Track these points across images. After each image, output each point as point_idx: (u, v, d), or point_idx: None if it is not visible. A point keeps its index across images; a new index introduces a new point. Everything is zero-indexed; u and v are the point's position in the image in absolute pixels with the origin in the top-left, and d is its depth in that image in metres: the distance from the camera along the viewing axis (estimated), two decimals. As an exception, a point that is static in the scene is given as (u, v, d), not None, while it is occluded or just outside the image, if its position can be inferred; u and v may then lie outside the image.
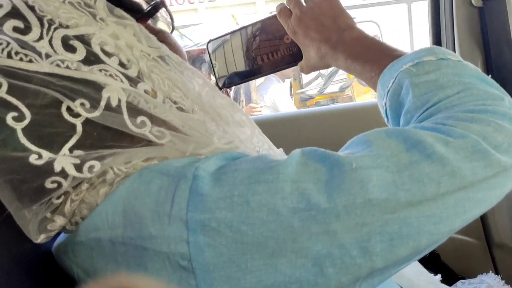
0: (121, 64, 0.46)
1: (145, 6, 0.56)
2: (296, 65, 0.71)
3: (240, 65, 0.72)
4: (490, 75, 0.50)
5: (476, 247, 1.31)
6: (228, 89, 0.78)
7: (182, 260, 0.40)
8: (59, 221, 0.46)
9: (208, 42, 0.72)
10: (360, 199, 0.39)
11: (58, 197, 0.45)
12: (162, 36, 0.55)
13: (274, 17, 0.69)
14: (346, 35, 0.61)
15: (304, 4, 0.67)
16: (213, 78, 0.75)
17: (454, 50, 1.34)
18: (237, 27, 0.72)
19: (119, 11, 0.48)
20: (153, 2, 0.56)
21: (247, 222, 0.39)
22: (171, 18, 0.58)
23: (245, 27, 0.71)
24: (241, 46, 0.71)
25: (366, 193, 0.39)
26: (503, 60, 1.27)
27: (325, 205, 0.39)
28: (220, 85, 0.74)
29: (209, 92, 0.53)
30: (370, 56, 0.57)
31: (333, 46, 0.61)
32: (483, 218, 1.36)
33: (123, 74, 0.46)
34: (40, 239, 0.47)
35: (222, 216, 0.40)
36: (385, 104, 0.54)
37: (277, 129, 1.31)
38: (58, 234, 0.57)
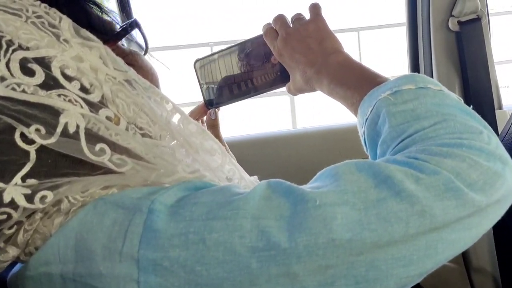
0: (83, 88, 0.43)
1: (118, 27, 0.53)
2: (283, 86, 0.70)
3: (228, 86, 0.71)
4: (470, 106, 0.49)
5: (455, 271, 1.31)
6: (216, 109, 0.78)
7: None
8: (12, 251, 0.44)
9: (196, 62, 0.71)
10: (323, 239, 0.36)
11: (10, 228, 0.42)
12: (132, 59, 0.53)
13: (260, 37, 0.68)
14: (331, 59, 0.59)
15: (290, 25, 0.65)
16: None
17: (432, 74, 1.36)
18: (224, 47, 0.70)
19: (85, 32, 0.46)
20: (125, 22, 0.53)
21: (202, 262, 0.37)
22: (145, 39, 0.55)
23: (233, 47, 0.70)
24: (229, 66, 0.70)
25: (329, 232, 0.36)
26: (480, 83, 1.28)
27: (285, 245, 0.36)
28: (208, 105, 0.73)
29: (178, 118, 0.51)
30: (353, 82, 0.56)
31: (318, 70, 0.60)
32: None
33: (84, 99, 0.43)
34: None
35: (176, 255, 0.37)
36: (364, 133, 0.52)
37: (257, 149, 1.29)
38: (13, 264, 0.54)
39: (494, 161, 0.41)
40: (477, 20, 1.28)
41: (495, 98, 1.31)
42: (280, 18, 0.66)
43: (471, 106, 1.30)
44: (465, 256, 1.32)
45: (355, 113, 0.55)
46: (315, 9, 0.65)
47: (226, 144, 0.74)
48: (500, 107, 1.36)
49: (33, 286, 0.44)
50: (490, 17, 1.32)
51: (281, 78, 0.69)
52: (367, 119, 0.51)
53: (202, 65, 0.71)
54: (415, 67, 1.43)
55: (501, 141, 1.04)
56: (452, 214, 0.38)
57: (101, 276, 0.39)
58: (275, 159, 1.29)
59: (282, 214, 0.38)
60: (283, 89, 0.71)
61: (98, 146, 0.43)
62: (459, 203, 0.38)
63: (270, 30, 0.66)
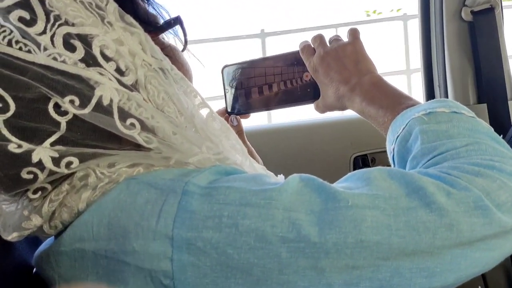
0: (118, 70, 0.45)
1: (161, 21, 0.56)
2: (312, 103, 0.71)
3: (255, 96, 0.72)
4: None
5: None
6: (238, 117, 0.78)
7: (165, 278, 0.39)
8: (35, 220, 0.45)
9: (224, 67, 0.72)
10: (352, 239, 0.37)
11: (35, 192, 0.44)
12: (169, 52, 0.55)
13: (296, 52, 0.70)
14: (365, 80, 0.62)
15: (328, 44, 0.68)
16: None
17: (444, 64, 1.35)
18: (256, 57, 0.72)
19: (128, 17, 0.48)
20: (169, 18, 0.56)
21: (234, 245, 0.38)
22: (185, 36, 0.57)
23: (264, 59, 0.71)
24: (258, 77, 0.71)
25: (359, 233, 0.38)
26: (493, 73, 1.27)
27: (315, 239, 0.38)
28: (229, 111, 0.73)
29: (205, 114, 0.52)
30: (385, 102, 0.58)
31: (351, 88, 0.62)
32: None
33: (118, 80, 0.45)
34: (12, 236, 0.46)
35: (209, 236, 0.38)
36: (393, 149, 0.53)
37: (267, 140, 1.30)
38: (37, 243, 0.55)
39: None
40: (491, 9, 1.27)
41: (508, 89, 1.29)
42: (320, 37, 0.69)
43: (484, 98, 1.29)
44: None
45: (385, 132, 0.57)
46: (354, 32, 0.68)
47: (253, 149, 0.75)
48: (513, 98, 1.35)
49: (67, 261, 0.45)
50: (504, 10, 1.31)
51: (311, 94, 0.71)
52: (398, 136, 0.52)
53: (230, 72, 0.72)
54: (427, 58, 1.41)
55: (513, 132, 1.03)
56: (478, 232, 0.39)
57: (134, 253, 0.40)
58: (286, 149, 1.29)
59: (313, 209, 0.39)
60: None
61: (129, 121, 0.45)
62: (486, 222, 0.39)
63: (308, 46, 0.69)
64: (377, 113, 0.58)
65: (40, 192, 0.45)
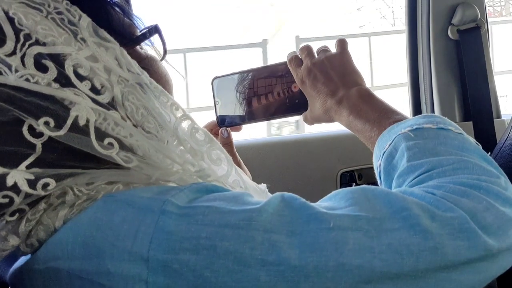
0: (93, 89, 0.44)
1: (138, 31, 0.55)
2: (300, 114, 0.71)
3: (244, 107, 0.71)
4: (475, 141, 0.49)
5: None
6: (228, 128, 0.78)
7: None
8: (12, 240, 0.44)
9: (214, 79, 0.72)
10: (333, 262, 0.36)
11: (12, 214, 0.43)
12: (147, 63, 0.54)
13: (284, 63, 0.70)
14: (352, 92, 0.61)
15: (316, 56, 0.67)
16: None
17: (431, 81, 1.36)
18: (245, 69, 0.71)
19: (103, 32, 0.46)
20: (145, 27, 0.54)
21: (211, 268, 0.37)
22: (164, 46, 0.56)
23: (254, 70, 0.71)
24: (247, 88, 0.71)
25: (340, 256, 0.36)
26: (479, 92, 1.29)
27: (295, 262, 0.36)
28: (220, 123, 0.73)
29: (187, 125, 0.51)
30: (372, 116, 0.57)
31: (338, 101, 0.62)
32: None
33: (93, 99, 0.44)
34: None
35: (186, 259, 0.37)
36: (380, 165, 0.52)
37: (255, 154, 1.29)
38: (15, 258, 0.54)
39: (510, 208, 0.41)
40: (477, 28, 1.29)
41: (493, 107, 1.31)
42: (307, 48, 0.68)
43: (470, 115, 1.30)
44: None
45: (372, 147, 0.56)
46: (342, 43, 0.68)
47: (241, 161, 0.74)
48: (499, 116, 1.36)
49: (41, 281, 0.44)
50: (493, 26, 1.33)
51: (298, 106, 0.70)
52: (384, 152, 0.51)
53: (220, 83, 0.72)
54: (414, 76, 1.43)
55: (499, 150, 1.04)
56: (463, 255, 0.38)
57: (109, 274, 0.39)
58: (273, 164, 1.29)
59: (293, 231, 0.38)
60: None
61: (107, 141, 0.43)
62: (471, 245, 0.38)
63: (295, 58, 0.68)
64: (364, 127, 0.58)
65: (17, 214, 0.43)
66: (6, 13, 0.42)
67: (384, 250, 0.37)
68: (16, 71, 0.40)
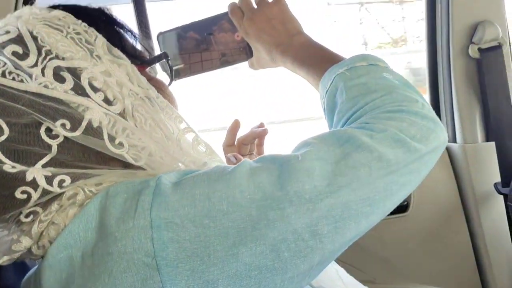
0: (106, 100, 0.49)
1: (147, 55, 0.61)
2: (246, 61, 0.75)
3: (192, 60, 0.73)
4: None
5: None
6: (237, 154, 0.78)
7: (147, 258, 0.41)
8: (25, 242, 0.46)
9: (159, 34, 0.73)
10: (308, 185, 0.44)
11: (27, 216, 0.46)
12: (155, 83, 0.58)
13: (225, 14, 0.73)
14: (295, 40, 0.68)
15: (255, 6, 0.72)
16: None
17: (452, 101, 1.33)
18: (188, 22, 0.74)
19: (116, 51, 0.52)
20: (156, 55, 0.61)
21: (209, 215, 0.42)
22: (171, 72, 0.63)
23: (197, 22, 0.73)
24: (193, 41, 0.73)
25: (312, 180, 0.44)
26: (500, 111, 1.25)
27: (278, 193, 0.44)
28: (174, 76, 0.73)
29: (191, 137, 0.56)
30: (314, 61, 0.65)
31: (283, 51, 0.68)
32: (481, 274, 1.32)
33: (106, 109, 0.48)
34: (2, 260, 0.47)
35: (185, 212, 0.42)
36: (324, 103, 0.61)
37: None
38: (24, 270, 0.56)
39: (427, 121, 0.52)
40: (498, 47, 1.26)
41: (517, 127, 1.27)
42: (246, 0, 0.73)
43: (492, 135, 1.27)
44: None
45: (317, 87, 0.64)
46: None
47: None
48: (523, 137, 1.33)
49: (52, 276, 0.46)
50: (513, 45, 1.30)
51: (244, 54, 0.74)
52: (327, 91, 0.59)
53: (165, 38, 0.73)
54: (434, 94, 1.41)
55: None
56: (402, 159, 0.48)
57: (116, 241, 0.42)
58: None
59: (272, 173, 0.45)
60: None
61: (117, 141, 0.48)
62: (406, 150, 0.49)
63: (236, 9, 0.73)
64: (308, 70, 0.64)
65: (31, 216, 0.46)
66: (31, 32, 0.48)
67: (343, 170, 0.46)
68: (36, 79, 0.46)
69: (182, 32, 0.73)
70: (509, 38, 1.32)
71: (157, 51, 0.68)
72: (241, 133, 0.87)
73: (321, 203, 0.44)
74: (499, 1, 1.29)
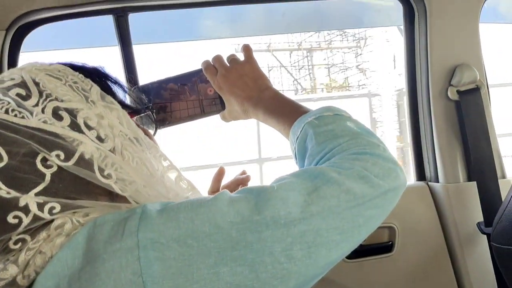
0: (99, 137, 0.54)
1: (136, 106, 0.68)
2: (217, 113, 0.81)
3: (166, 112, 0.78)
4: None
5: None
6: None
7: (133, 276, 0.44)
8: (11, 269, 0.48)
9: (134, 88, 0.76)
10: (283, 212, 0.48)
11: (16, 243, 0.48)
12: (141, 129, 0.63)
13: (199, 71, 0.79)
14: (265, 94, 0.75)
15: (227, 64, 0.78)
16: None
17: (433, 141, 1.36)
18: (163, 77, 0.79)
19: (109, 98, 0.58)
20: (143, 106, 0.68)
21: (192, 236, 0.45)
22: (156, 124, 0.71)
23: (174, 78, 0.79)
24: (169, 94, 0.78)
25: (287, 207, 0.48)
26: (481, 152, 1.28)
27: (257, 217, 0.47)
28: (156, 127, 0.78)
29: (174, 175, 0.61)
30: (283, 112, 0.71)
31: (255, 104, 0.74)
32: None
33: (98, 145, 0.53)
34: None
35: (170, 233, 0.45)
36: (295, 149, 0.66)
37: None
38: None
39: (388, 162, 0.58)
40: (476, 89, 1.30)
41: (497, 167, 1.30)
42: (219, 58, 0.79)
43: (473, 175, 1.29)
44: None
45: (286, 136, 0.70)
46: (248, 51, 0.80)
47: None
48: (504, 176, 1.35)
49: None
50: (495, 88, 1.34)
51: (217, 106, 0.80)
52: (297, 138, 0.65)
53: (142, 91, 0.77)
54: (416, 134, 1.43)
55: (503, 212, 1.02)
56: (367, 193, 0.53)
57: (104, 262, 0.45)
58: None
59: (249, 201, 0.49)
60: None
61: (106, 172, 0.53)
62: (370, 186, 0.53)
63: (210, 66, 0.79)
64: (278, 121, 0.71)
65: (20, 243, 0.49)
66: (33, 79, 0.54)
67: (315, 200, 0.50)
68: (36, 116, 0.51)
69: (158, 86, 0.78)
70: (486, 81, 1.36)
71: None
72: (225, 180, 0.92)
73: (295, 229, 0.48)
74: (476, 44, 1.34)
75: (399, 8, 1.41)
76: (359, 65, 10.98)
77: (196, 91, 0.79)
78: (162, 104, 0.78)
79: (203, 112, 0.80)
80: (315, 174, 0.54)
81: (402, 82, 1.47)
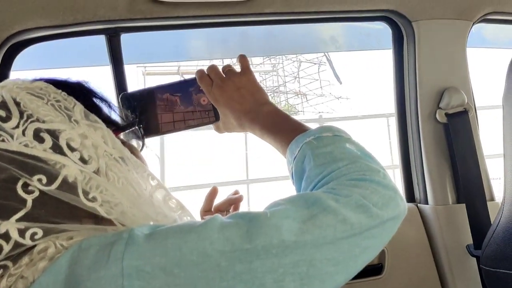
0: (82, 159, 0.52)
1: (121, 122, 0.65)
2: (210, 124, 0.78)
3: (159, 120, 0.75)
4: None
5: None
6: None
7: None
8: None
9: (122, 95, 0.74)
10: (276, 240, 0.46)
11: None
12: (128, 146, 0.62)
13: (193, 79, 0.76)
14: (263, 109, 0.72)
15: (223, 75, 0.75)
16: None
17: (422, 163, 1.37)
18: (154, 86, 0.75)
19: (93, 116, 0.56)
20: (128, 122, 0.66)
21: (179, 265, 0.43)
22: (143, 139, 0.69)
23: (164, 85, 0.76)
24: (161, 102, 0.75)
25: (280, 235, 0.46)
26: (470, 174, 1.29)
27: (247, 246, 0.45)
28: (143, 143, 0.75)
29: (162, 194, 0.59)
30: (281, 129, 0.69)
31: (252, 118, 0.72)
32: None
33: (82, 167, 0.52)
34: None
35: (157, 261, 0.43)
36: (292, 168, 0.64)
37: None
38: None
39: (388, 190, 0.55)
40: (465, 112, 1.31)
41: (486, 189, 1.30)
42: (214, 68, 0.76)
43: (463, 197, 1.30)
44: None
45: (283, 154, 0.67)
46: (244, 62, 0.77)
47: None
48: (492, 199, 1.36)
49: None
50: (481, 111, 1.35)
51: (210, 117, 0.77)
52: (295, 157, 0.63)
53: (129, 99, 0.74)
54: (405, 156, 1.44)
55: (492, 234, 1.02)
56: (364, 223, 0.51)
57: None
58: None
59: (241, 228, 0.47)
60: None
61: (91, 195, 0.51)
62: (368, 215, 0.51)
63: (205, 76, 0.76)
64: (275, 138, 0.68)
65: (1, 270, 0.47)
66: (14, 99, 0.52)
67: (310, 228, 0.48)
68: (17, 139, 0.49)
69: (148, 94, 0.75)
70: (474, 104, 1.38)
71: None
72: (218, 199, 0.90)
73: (287, 258, 0.46)
74: (464, 68, 1.36)
75: (388, 32, 1.43)
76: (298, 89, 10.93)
77: (189, 100, 0.76)
78: (152, 113, 0.75)
79: (197, 124, 0.77)
80: (311, 200, 0.51)
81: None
